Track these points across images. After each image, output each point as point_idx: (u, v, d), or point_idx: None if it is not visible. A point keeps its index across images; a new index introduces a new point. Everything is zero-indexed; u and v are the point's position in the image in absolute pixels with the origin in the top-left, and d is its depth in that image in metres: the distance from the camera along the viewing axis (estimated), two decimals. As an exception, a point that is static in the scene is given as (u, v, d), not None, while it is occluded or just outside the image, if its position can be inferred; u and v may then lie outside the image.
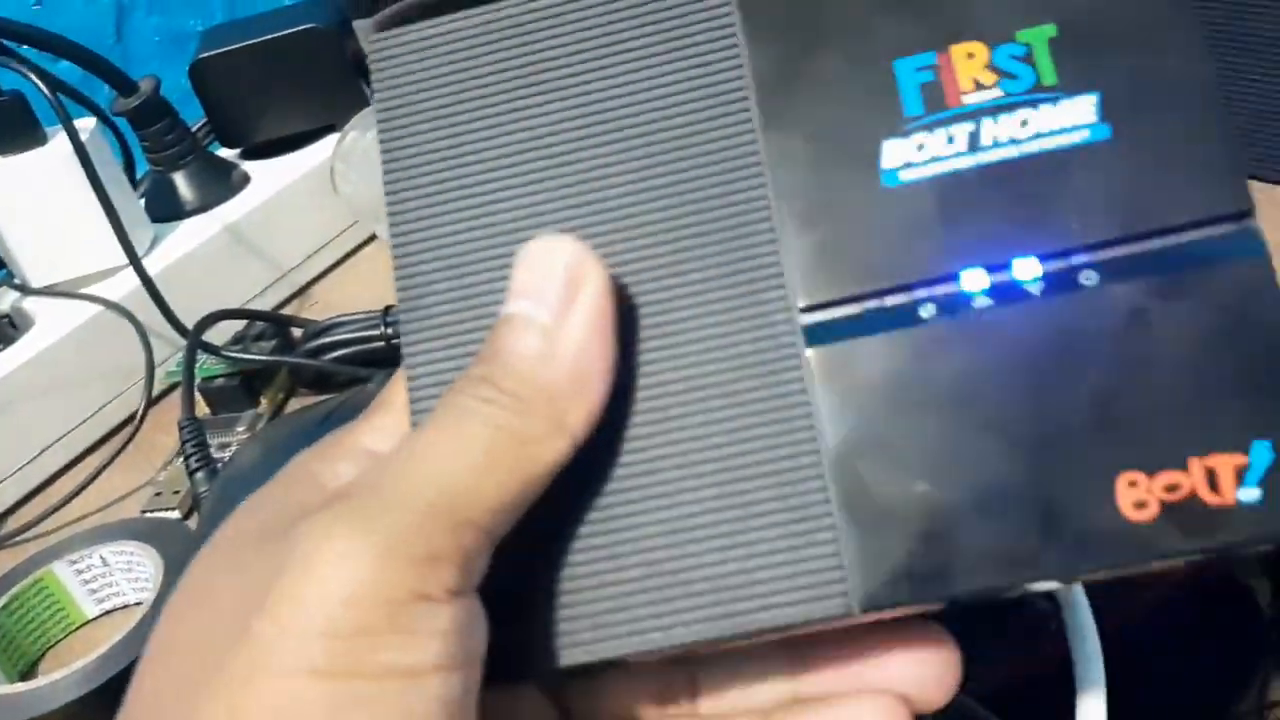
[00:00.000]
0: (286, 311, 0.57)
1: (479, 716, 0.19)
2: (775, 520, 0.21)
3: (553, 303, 0.21)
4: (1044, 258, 0.21)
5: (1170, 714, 0.52)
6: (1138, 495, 0.20)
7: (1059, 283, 0.21)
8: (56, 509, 0.47)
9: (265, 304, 0.57)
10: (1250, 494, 0.20)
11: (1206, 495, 0.20)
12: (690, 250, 0.22)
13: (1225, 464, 0.20)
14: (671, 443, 0.22)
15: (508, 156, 0.23)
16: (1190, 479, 0.20)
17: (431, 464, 0.20)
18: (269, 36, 0.60)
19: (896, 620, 0.22)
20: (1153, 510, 0.20)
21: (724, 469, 0.21)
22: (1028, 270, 0.21)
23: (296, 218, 0.59)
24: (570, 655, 0.21)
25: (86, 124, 0.53)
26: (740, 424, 0.21)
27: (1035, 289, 0.21)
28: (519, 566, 0.21)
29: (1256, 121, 0.47)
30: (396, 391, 0.23)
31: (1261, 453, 0.20)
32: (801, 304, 0.21)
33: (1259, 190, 0.47)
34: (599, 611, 0.21)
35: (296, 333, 0.52)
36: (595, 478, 0.22)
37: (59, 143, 0.51)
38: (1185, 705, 0.53)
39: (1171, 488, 0.20)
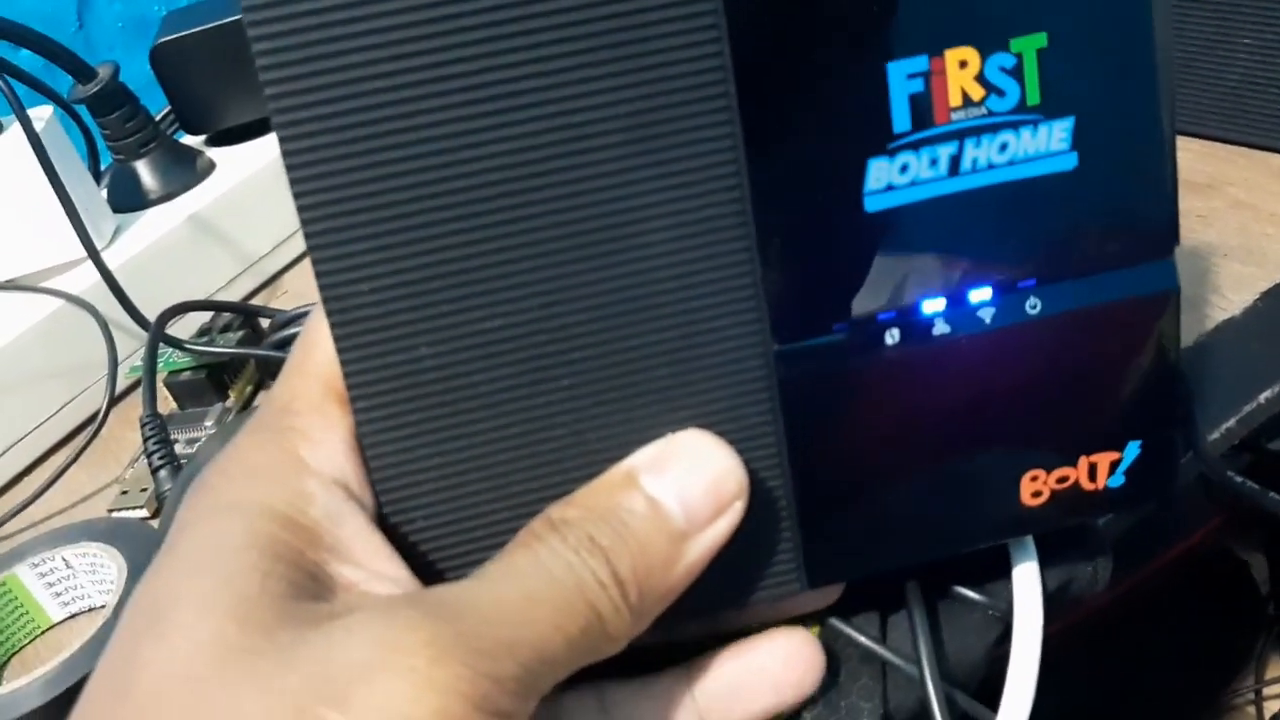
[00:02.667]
0: (255, 301, 0.56)
1: None
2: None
3: (694, 513, 0.21)
4: (998, 289, 0.23)
5: (1167, 692, 0.52)
6: (1036, 487, 0.24)
7: (1008, 310, 0.23)
8: (20, 510, 0.46)
9: (233, 294, 0.56)
10: (1117, 481, 0.25)
11: (1085, 483, 0.25)
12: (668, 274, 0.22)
13: (1104, 460, 0.24)
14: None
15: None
16: (1077, 472, 0.24)
17: (528, 626, 0.19)
18: (232, 19, 0.58)
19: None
20: (1044, 498, 0.25)
21: None
22: (982, 296, 0.23)
23: (264, 205, 0.57)
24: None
25: (43, 113, 0.51)
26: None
27: (987, 315, 0.23)
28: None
29: (1243, 86, 0.46)
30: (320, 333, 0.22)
31: (1133, 450, 0.24)
32: (779, 341, 0.22)
33: (1241, 155, 0.47)
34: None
35: (265, 323, 0.50)
36: None
37: (13, 134, 0.49)
38: (1182, 683, 0.53)
39: (1062, 480, 0.24)
